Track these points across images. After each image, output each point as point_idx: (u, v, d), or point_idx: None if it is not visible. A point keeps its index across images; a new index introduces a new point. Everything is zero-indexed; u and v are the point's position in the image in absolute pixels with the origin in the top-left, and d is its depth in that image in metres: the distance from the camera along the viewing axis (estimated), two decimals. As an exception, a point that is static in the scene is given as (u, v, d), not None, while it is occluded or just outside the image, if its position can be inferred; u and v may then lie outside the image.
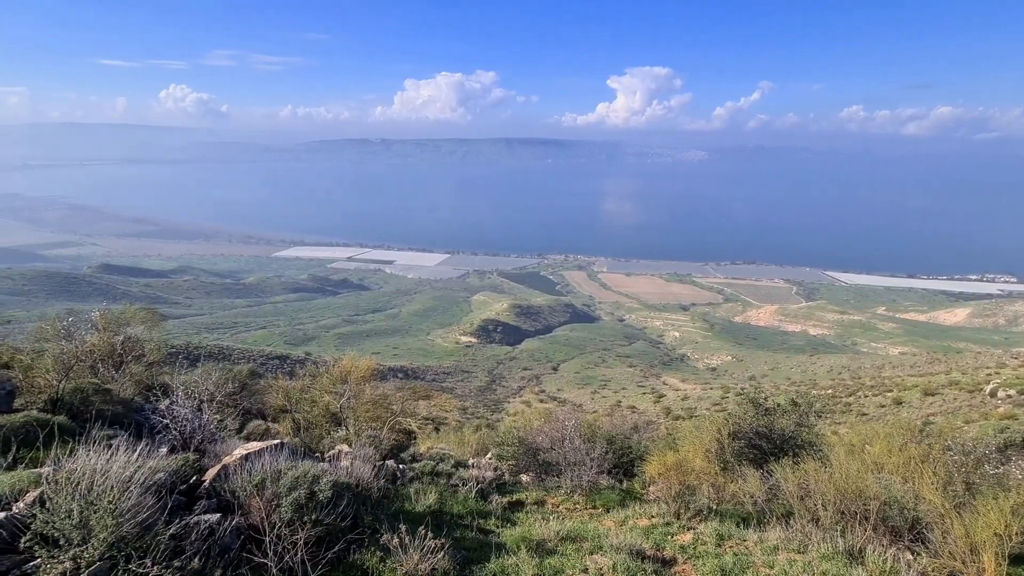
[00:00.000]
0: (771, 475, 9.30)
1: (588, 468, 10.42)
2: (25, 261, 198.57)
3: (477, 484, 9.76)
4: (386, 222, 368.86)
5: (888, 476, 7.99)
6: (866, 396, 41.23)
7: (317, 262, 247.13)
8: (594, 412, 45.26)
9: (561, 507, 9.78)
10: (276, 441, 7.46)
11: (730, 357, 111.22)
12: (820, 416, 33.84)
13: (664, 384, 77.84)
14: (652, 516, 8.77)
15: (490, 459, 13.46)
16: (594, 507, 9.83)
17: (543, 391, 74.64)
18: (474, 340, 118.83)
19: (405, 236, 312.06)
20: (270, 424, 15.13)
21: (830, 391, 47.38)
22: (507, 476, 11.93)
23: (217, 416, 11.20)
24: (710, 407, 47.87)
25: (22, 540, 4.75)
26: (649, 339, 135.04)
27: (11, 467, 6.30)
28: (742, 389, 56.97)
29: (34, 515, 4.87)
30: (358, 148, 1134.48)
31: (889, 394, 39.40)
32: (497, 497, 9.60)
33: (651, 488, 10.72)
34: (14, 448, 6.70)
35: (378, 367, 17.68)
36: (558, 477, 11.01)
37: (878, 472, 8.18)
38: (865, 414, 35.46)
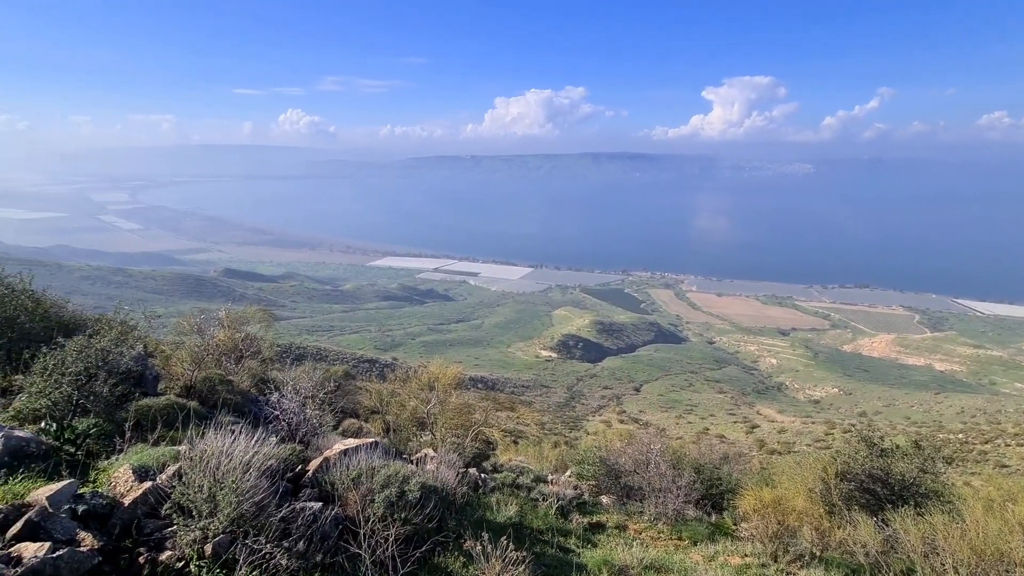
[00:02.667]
0: (887, 525, 8.30)
1: (674, 496, 9.95)
2: (166, 264, 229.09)
3: (557, 501, 9.67)
4: (473, 235, 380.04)
5: (1040, 541, 6.81)
6: (1007, 445, 35.50)
7: (407, 272, 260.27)
8: (679, 438, 43.12)
9: (644, 534, 9.40)
10: (371, 440, 7.93)
11: (836, 389, 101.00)
12: (949, 463, 29.62)
13: (758, 414, 72.34)
14: (745, 555, 8.16)
15: (569, 477, 13.29)
16: (679, 538, 9.34)
17: (624, 412, 72.37)
18: (554, 355, 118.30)
19: (490, 249, 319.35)
20: (363, 423, 16.08)
21: (961, 436, 41.41)
22: (587, 496, 11.70)
23: (318, 412, 12.12)
24: (812, 443, 43.77)
25: (163, 508, 5.46)
26: (742, 364, 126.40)
27: (155, 443, 7.26)
28: (851, 426, 51.42)
29: (173, 487, 5.59)
30: (449, 164, 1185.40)
31: (1039, 445, 33.64)
32: (577, 516, 9.44)
33: (743, 525, 9.98)
34: (159, 427, 7.72)
35: (462, 376, 18.20)
36: (641, 502, 10.62)
37: (1026, 535, 7.00)
38: (1006, 466, 30.54)
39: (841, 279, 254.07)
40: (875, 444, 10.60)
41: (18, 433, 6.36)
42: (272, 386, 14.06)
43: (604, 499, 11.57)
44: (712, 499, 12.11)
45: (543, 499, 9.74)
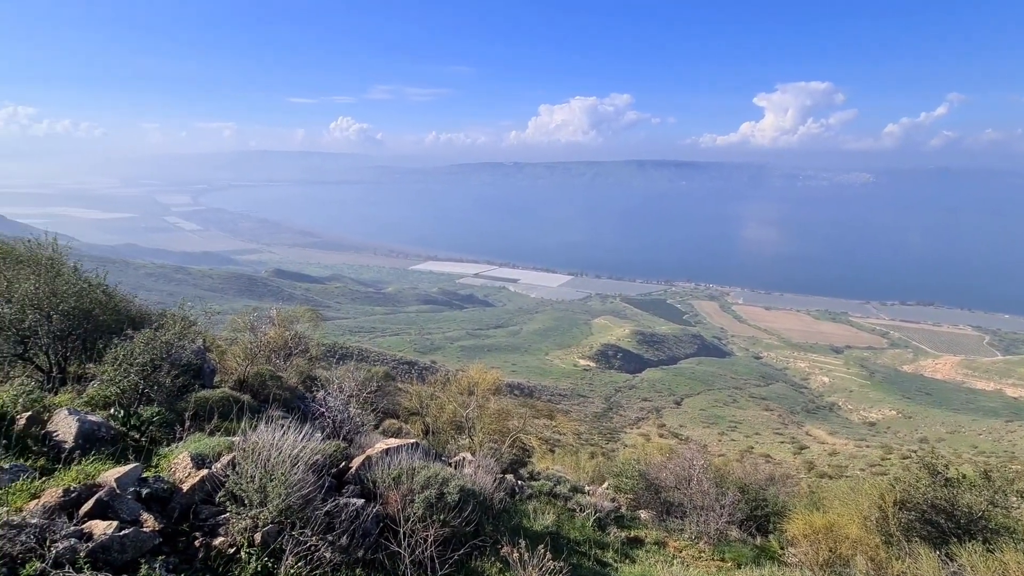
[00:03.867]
0: (952, 560, 7.73)
1: (717, 515, 9.61)
2: (222, 264, 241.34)
3: (595, 512, 9.53)
4: (513, 241, 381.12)
5: None
6: (1093, 482, 32.32)
7: (447, 277, 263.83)
8: (721, 455, 41.66)
9: (684, 552, 9.12)
10: (412, 440, 8.06)
11: (894, 412, 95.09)
12: (1023, 498, 27.27)
13: (807, 435, 69.04)
14: (793, 582, 7.78)
15: (607, 489, 13.06)
16: (722, 559, 9.01)
17: (664, 425, 70.62)
18: (592, 364, 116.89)
19: (530, 255, 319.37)
20: (403, 424, 16.38)
21: (1037, 469, 38.01)
22: (625, 510, 11.47)
23: (360, 411, 12.43)
24: (866, 468, 41.35)
25: (218, 495, 5.73)
26: (790, 382, 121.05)
27: (211, 433, 7.64)
28: (911, 452, 48.29)
29: (227, 476, 5.85)
30: (492, 171, 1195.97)
31: None
32: (615, 530, 9.27)
33: (791, 550, 9.52)
34: (215, 418, 8.12)
35: (500, 382, 18.24)
36: (681, 519, 10.31)
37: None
38: (1091, 505, 27.77)
39: (902, 295, 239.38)
40: (939, 472, 9.91)
41: (91, 418, 6.83)
42: (318, 384, 14.53)
43: (643, 514, 11.31)
44: (757, 521, 11.63)
45: (580, 510, 9.62)
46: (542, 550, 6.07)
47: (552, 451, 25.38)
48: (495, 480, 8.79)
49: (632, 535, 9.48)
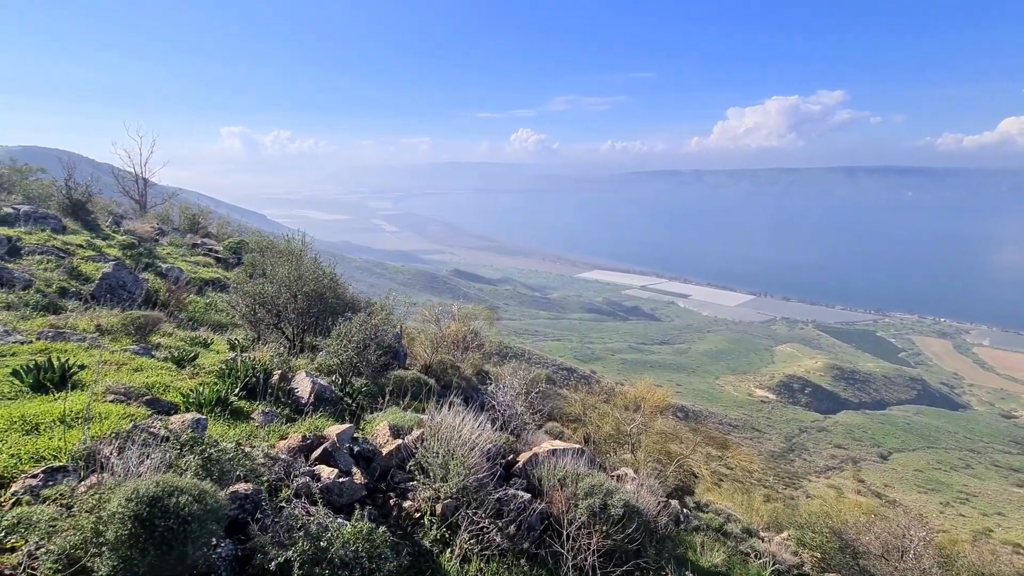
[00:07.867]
0: None
1: (943, 604, 7.71)
2: (411, 262, 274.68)
3: (773, 562, 8.41)
4: (685, 254, 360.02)
5: None
6: None
7: (612, 287, 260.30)
8: (944, 531, 33.51)
9: (892, 639, 7.51)
10: (577, 446, 8.10)
11: None
12: None
13: (1084, 529, 51.51)
14: None
15: (787, 539, 11.45)
16: (948, 662, 7.19)
17: (863, 481, 59.45)
18: (771, 396, 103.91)
19: (704, 270, 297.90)
20: (564, 428, 16.61)
21: None
22: (809, 568, 9.92)
23: (526, 409, 12.92)
24: None
25: (408, 464, 6.48)
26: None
27: (405, 409, 8.69)
28: None
29: (417, 448, 6.58)
30: (668, 179, 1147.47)
31: None
32: (799, 588, 8.06)
33: None
34: (408, 395, 9.24)
35: (667, 401, 17.30)
36: (888, 597, 8.52)
37: None
38: None
39: None
40: None
41: (320, 381, 8.32)
42: (489, 378, 15.51)
43: (833, 579, 9.64)
44: (1003, 626, 9.03)
45: (755, 556, 8.59)
46: (712, 590, 5.56)
47: (719, 484, 23.21)
48: (659, 503, 8.35)
49: (819, 600, 8.14)
